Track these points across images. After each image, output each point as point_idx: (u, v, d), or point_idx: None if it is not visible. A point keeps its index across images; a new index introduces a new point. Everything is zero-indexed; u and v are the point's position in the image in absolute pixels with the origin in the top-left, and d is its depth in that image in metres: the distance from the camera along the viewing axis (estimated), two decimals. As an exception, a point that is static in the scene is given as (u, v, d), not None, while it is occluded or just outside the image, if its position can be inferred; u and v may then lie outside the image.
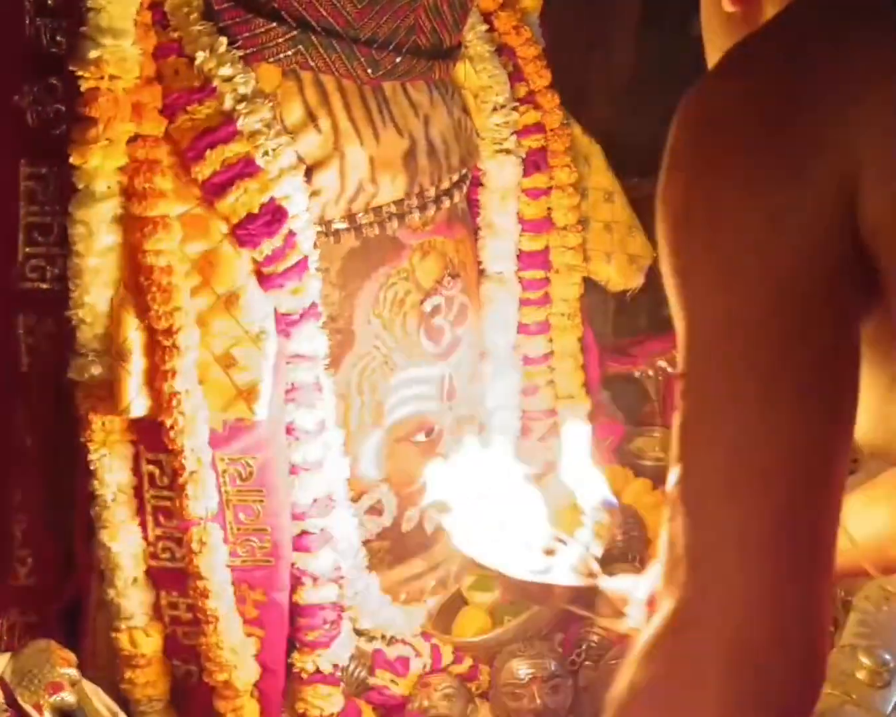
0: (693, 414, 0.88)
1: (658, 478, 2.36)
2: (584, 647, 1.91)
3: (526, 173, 2.06)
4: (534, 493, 1.52)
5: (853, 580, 1.90)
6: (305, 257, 1.63)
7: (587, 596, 1.45)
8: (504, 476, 1.54)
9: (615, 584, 1.44)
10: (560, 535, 1.48)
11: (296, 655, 1.75)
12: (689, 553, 0.86)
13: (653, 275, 2.37)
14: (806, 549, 0.84)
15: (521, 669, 1.83)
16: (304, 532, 1.72)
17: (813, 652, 0.85)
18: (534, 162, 2.07)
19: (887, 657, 1.63)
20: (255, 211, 1.57)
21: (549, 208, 2.12)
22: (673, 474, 0.89)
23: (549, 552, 1.47)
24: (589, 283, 2.28)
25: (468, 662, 1.91)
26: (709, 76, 0.98)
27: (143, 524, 1.71)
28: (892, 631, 1.69)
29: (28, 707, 1.50)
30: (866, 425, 0.94)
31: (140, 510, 1.71)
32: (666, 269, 0.90)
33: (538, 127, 2.07)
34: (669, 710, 0.88)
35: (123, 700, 1.73)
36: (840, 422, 0.87)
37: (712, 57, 1.07)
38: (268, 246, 1.58)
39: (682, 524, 0.87)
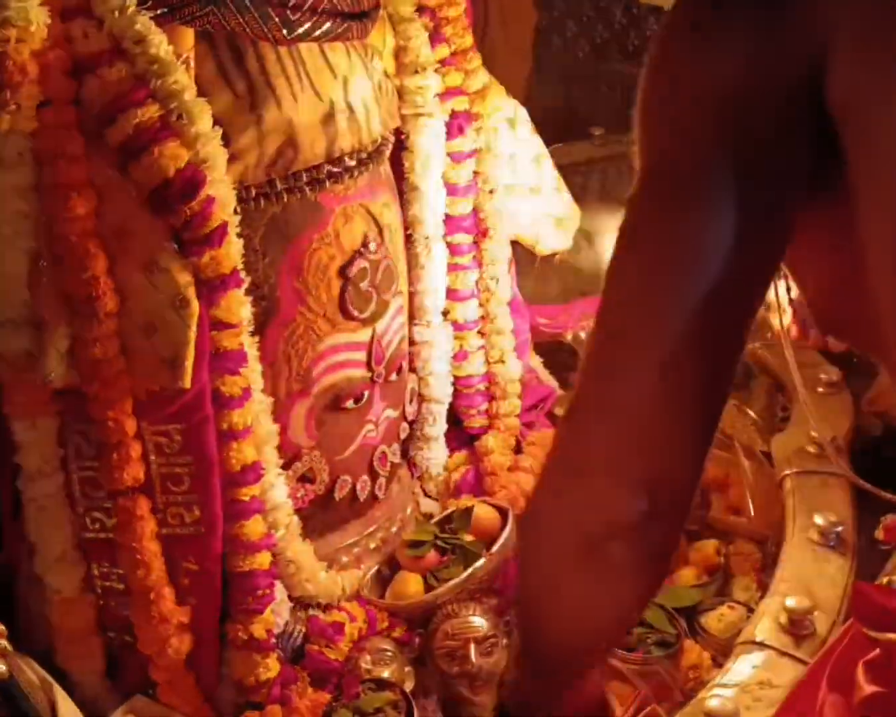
0: (620, 238, 0.94)
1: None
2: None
3: (450, 136, 2.05)
4: None
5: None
6: (225, 223, 1.59)
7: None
8: None
9: None
10: None
11: (229, 623, 1.74)
12: (592, 360, 0.95)
13: (579, 238, 2.39)
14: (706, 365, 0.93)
15: (456, 631, 1.83)
16: (234, 500, 1.70)
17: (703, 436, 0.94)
18: (457, 125, 2.06)
19: None
20: (171, 176, 1.54)
21: (474, 171, 2.12)
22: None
23: None
24: (517, 246, 2.29)
25: (403, 626, 1.90)
26: None
27: (70, 496, 1.70)
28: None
29: (-41, 681, 1.49)
30: (825, 299, 1.01)
31: (67, 482, 1.70)
32: (635, 124, 0.96)
33: (461, 89, 2.06)
34: (566, 479, 0.97)
35: (60, 673, 1.72)
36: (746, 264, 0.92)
37: None
38: (185, 212, 1.55)
39: (591, 339, 0.96)
